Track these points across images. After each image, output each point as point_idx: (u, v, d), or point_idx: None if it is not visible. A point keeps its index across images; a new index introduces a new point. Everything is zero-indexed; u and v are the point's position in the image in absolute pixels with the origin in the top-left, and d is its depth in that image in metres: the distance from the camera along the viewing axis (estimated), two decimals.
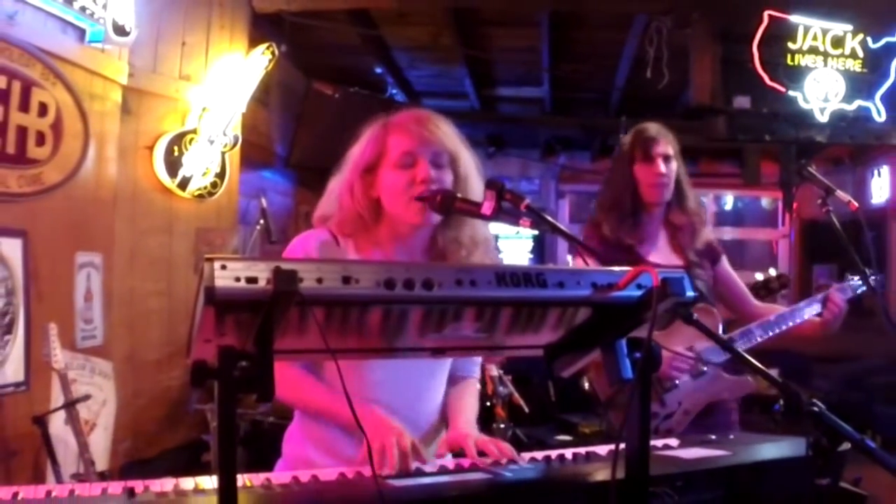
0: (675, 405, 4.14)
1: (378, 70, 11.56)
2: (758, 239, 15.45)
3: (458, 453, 2.75)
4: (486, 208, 2.52)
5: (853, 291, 4.20)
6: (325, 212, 2.93)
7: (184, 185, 7.12)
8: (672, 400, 4.14)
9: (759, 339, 4.21)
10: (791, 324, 4.24)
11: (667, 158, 4.23)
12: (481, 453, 2.64)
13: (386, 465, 2.40)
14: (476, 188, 2.82)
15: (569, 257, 14.59)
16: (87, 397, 5.55)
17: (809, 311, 4.27)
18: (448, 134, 2.85)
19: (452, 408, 3.04)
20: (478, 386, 3.21)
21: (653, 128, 4.34)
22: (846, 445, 2.04)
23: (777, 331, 4.22)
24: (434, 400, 3.00)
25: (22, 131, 5.28)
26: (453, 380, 3.08)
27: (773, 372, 2.34)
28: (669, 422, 4.11)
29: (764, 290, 4.75)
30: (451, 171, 2.79)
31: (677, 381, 4.12)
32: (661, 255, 4.30)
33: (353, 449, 2.68)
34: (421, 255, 2.89)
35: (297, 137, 10.08)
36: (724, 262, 4.53)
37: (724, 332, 4.30)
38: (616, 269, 2.03)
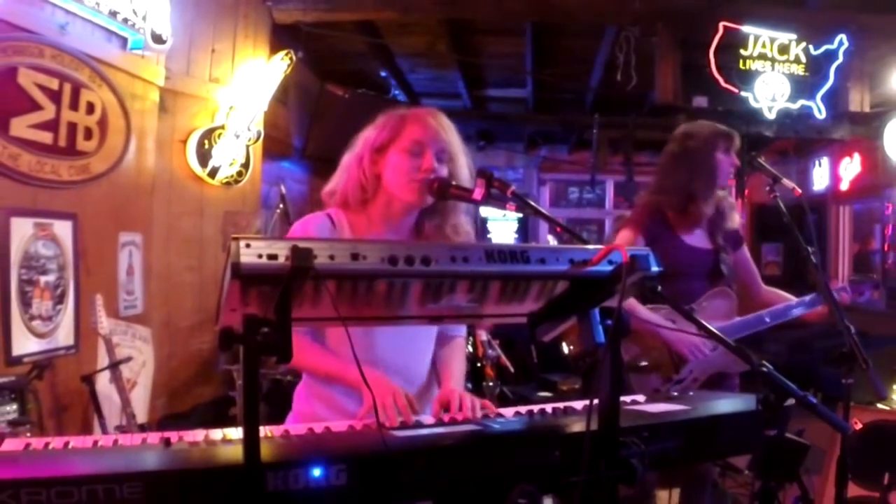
0: (687, 373, 4.17)
1: (382, 73, 11.55)
2: None
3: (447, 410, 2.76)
4: (477, 194, 2.52)
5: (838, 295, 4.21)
6: (333, 186, 2.93)
7: (213, 173, 7.12)
8: (685, 370, 4.17)
9: (767, 323, 4.23)
10: (793, 316, 4.27)
11: (737, 154, 4.27)
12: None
13: (387, 418, 2.41)
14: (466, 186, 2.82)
15: (549, 237, 14.60)
16: (128, 359, 5.56)
17: (811, 307, 4.28)
18: (454, 136, 2.85)
19: (443, 370, 3.05)
20: (464, 344, 3.21)
21: (726, 126, 4.34)
22: (791, 401, 2.04)
23: (782, 320, 4.26)
24: (425, 358, 3.02)
25: (72, 127, 5.27)
26: (443, 339, 3.09)
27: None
28: (679, 386, 4.14)
29: None
30: (447, 168, 2.79)
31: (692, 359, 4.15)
32: (698, 240, 4.33)
33: (354, 405, 2.70)
34: (408, 237, 2.89)
35: (311, 132, 10.05)
36: (745, 248, 4.57)
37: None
38: (590, 247, 2.03)
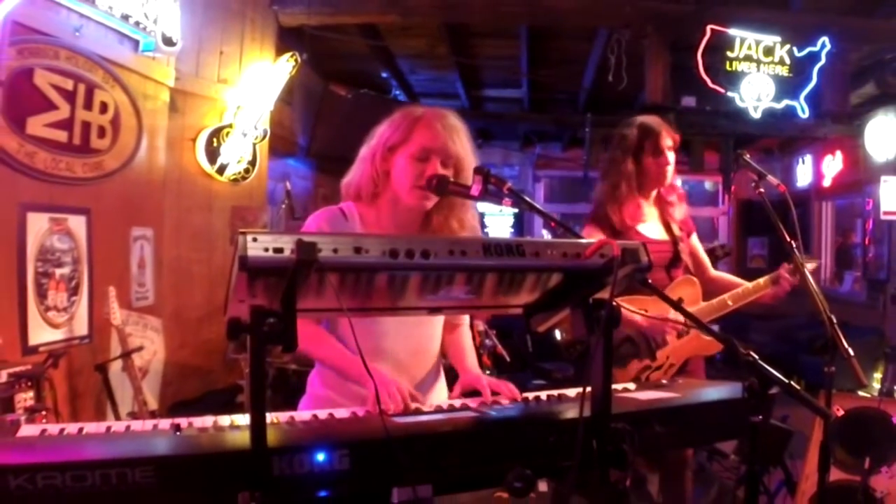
0: (664, 359, 4.18)
1: (384, 74, 11.55)
2: (702, 216, 15.46)
3: (470, 393, 2.77)
4: (475, 190, 2.52)
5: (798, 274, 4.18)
6: (350, 178, 2.91)
7: (221, 170, 7.11)
8: (661, 355, 4.18)
9: (730, 307, 4.22)
10: (752, 297, 4.24)
11: (671, 150, 4.23)
12: (494, 392, 2.68)
13: (393, 403, 2.41)
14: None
15: (544, 231, 14.61)
16: (140, 348, 5.56)
17: (766, 288, 4.25)
18: (462, 142, 2.80)
19: (457, 356, 3.07)
20: (468, 330, 3.21)
21: (656, 123, 4.29)
22: (776, 389, 2.04)
23: (743, 302, 4.24)
24: (432, 347, 3.02)
25: (86, 126, 5.26)
26: (449, 327, 3.10)
27: (715, 328, 2.34)
28: (658, 372, 4.15)
29: (710, 257, 4.76)
30: (452, 171, 2.77)
31: (667, 340, 4.15)
32: (656, 232, 4.31)
33: (365, 390, 2.68)
34: (416, 231, 2.87)
35: (315, 131, 10.04)
36: (694, 236, 4.54)
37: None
38: (583, 240, 2.03)
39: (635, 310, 3.84)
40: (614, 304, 1.99)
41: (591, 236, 4.15)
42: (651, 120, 4.34)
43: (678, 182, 4.42)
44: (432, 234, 2.84)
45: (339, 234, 2.26)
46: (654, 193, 4.31)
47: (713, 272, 4.59)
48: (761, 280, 4.20)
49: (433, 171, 2.70)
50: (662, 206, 4.35)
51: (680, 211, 4.39)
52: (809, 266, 3.91)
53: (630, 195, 4.22)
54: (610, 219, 4.21)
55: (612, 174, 4.27)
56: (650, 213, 4.33)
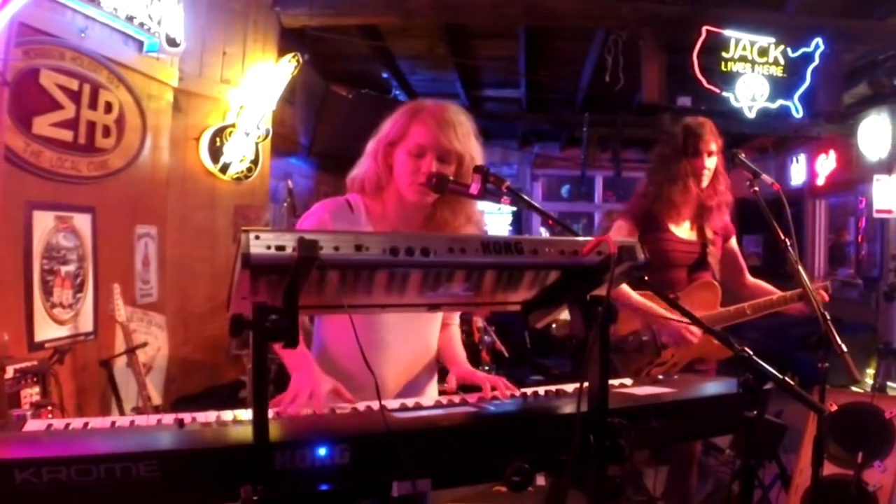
0: (668, 357, 4.17)
1: (384, 75, 11.54)
2: None
3: (466, 388, 2.77)
4: (474, 189, 2.52)
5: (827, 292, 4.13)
6: (355, 172, 2.90)
7: (224, 169, 7.11)
8: (666, 353, 4.17)
9: (748, 315, 4.18)
10: (774, 309, 4.20)
11: (710, 154, 4.20)
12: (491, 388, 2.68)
13: (292, 407, 2.40)
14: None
15: (542, 229, 14.61)
16: (144, 344, 5.56)
17: (792, 302, 4.18)
18: (461, 137, 2.77)
19: (449, 352, 3.07)
20: (458, 328, 3.22)
21: (698, 125, 4.24)
22: (770, 384, 2.04)
23: (763, 313, 4.19)
24: (430, 344, 3.03)
25: (91, 125, 5.26)
26: (441, 326, 3.09)
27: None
28: (660, 369, 4.15)
29: None
30: (454, 167, 2.75)
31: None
32: (686, 232, 4.30)
33: (352, 388, 2.60)
34: (421, 225, 2.87)
35: (317, 130, 10.03)
36: (733, 241, 4.51)
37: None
38: (580, 238, 2.03)
39: (661, 310, 3.85)
40: (612, 299, 1.99)
41: (622, 230, 4.19)
42: (694, 121, 4.30)
43: (724, 188, 4.37)
44: (436, 227, 2.84)
45: (340, 231, 2.26)
46: (693, 195, 4.25)
47: (749, 279, 4.53)
48: (787, 294, 4.16)
49: (428, 167, 2.69)
50: (700, 208, 4.31)
51: (718, 216, 4.36)
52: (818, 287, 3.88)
53: (696, 194, 4.22)
54: (660, 215, 4.22)
55: (669, 174, 4.24)
56: (687, 213, 4.32)
